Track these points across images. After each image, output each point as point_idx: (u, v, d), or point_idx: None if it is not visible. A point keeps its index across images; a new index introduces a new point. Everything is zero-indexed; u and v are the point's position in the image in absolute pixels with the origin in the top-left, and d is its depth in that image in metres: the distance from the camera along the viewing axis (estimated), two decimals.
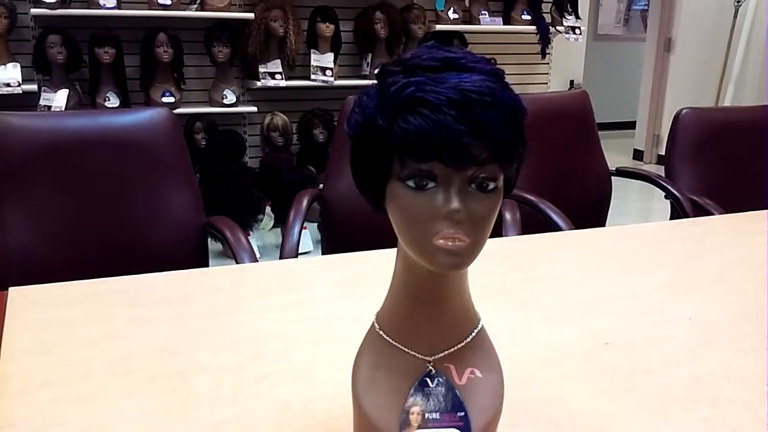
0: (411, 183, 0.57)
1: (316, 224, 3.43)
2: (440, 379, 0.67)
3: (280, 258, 1.67)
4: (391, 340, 0.68)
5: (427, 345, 0.67)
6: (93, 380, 0.88)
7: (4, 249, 1.53)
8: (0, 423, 0.79)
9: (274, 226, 3.81)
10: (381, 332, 0.68)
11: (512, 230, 1.76)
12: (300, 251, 1.78)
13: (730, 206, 1.88)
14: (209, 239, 1.80)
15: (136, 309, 1.10)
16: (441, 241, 0.56)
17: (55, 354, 0.95)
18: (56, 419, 0.80)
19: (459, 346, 0.67)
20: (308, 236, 3.53)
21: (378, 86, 0.59)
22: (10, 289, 1.14)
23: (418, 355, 0.67)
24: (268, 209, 3.72)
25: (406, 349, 0.67)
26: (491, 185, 0.57)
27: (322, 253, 2.14)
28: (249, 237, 3.54)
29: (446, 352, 0.67)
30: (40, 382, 0.87)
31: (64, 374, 0.89)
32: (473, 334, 0.68)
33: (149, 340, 0.99)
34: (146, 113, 1.74)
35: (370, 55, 4.01)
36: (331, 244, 2.10)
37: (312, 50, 3.86)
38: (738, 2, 5.80)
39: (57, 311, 1.08)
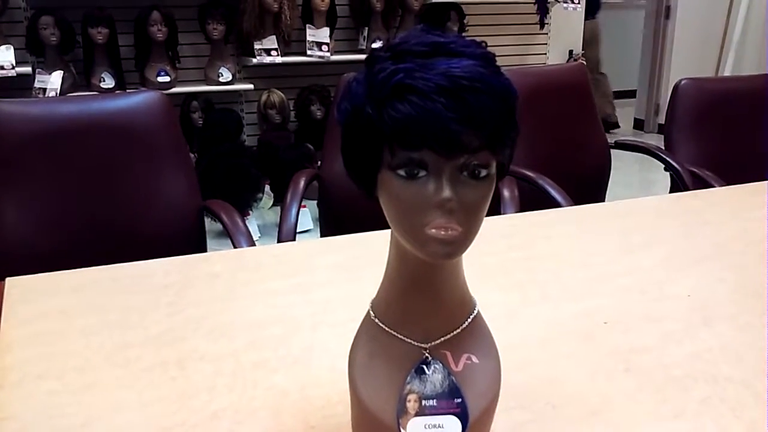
0: (401, 172, 0.56)
1: (315, 202, 3.43)
2: (437, 366, 0.66)
3: (278, 240, 1.67)
4: (386, 328, 0.67)
5: (423, 332, 0.66)
6: (91, 371, 0.88)
7: None
8: None
9: (273, 205, 3.80)
10: (376, 320, 0.68)
11: (510, 207, 1.75)
12: (300, 230, 1.78)
13: (731, 177, 1.87)
14: (208, 219, 1.79)
15: (133, 297, 1.09)
16: (433, 231, 0.56)
17: (53, 344, 0.94)
18: (55, 411, 0.80)
19: (455, 332, 0.67)
20: (308, 214, 3.52)
21: (366, 73, 0.58)
22: (7, 279, 1.14)
23: (414, 342, 0.66)
24: (267, 188, 3.71)
25: (401, 337, 0.67)
26: (483, 172, 0.56)
27: (321, 233, 2.13)
28: (249, 216, 3.53)
29: (442, 339, 0.67)
30: (39, 374, 0.87)
31: (62, 365, 0.89)
32: (469, 320, 0.68)
33: (147, 329, 0.99)
34: (139, 97, 1.73)
35: (367, 29, 3.97)
36: (329, 224, 2.10)
37: (307, 25, 3.82)
38: None
39: (54, 301, 1.08)
